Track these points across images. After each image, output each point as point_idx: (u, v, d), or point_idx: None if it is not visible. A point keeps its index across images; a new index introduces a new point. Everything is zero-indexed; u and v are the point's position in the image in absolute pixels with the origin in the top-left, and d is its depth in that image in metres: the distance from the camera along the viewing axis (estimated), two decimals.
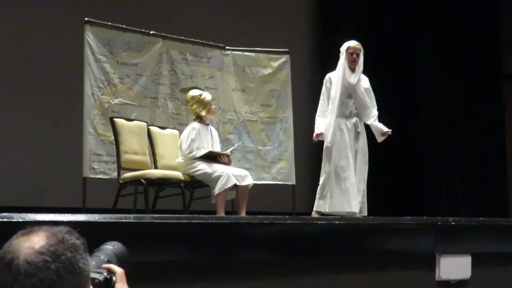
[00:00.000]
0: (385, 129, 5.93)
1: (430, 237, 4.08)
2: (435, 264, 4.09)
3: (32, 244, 1.24)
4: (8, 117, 7.03)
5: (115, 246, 1.62)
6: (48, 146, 7.12)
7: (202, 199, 5.77)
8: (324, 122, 5.80)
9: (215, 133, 5.85)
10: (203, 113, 5.64)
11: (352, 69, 5.86)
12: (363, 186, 5.81)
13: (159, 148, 5.70)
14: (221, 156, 5.53)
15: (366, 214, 5.77)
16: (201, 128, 5.61)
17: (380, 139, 5.97)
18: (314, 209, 5.81)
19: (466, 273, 4.20)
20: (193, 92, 5.72)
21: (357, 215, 5.64)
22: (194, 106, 5.66)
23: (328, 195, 5.72)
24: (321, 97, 5.93)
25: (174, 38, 6.57)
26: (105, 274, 1.50)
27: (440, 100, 9.22)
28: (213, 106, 5.81)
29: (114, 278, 1.53)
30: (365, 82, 5.98)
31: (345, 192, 5.68)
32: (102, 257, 1.55)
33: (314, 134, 5.82)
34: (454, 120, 9.20)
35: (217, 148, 5.75)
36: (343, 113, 5.83)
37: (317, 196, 5.81)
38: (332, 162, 5.73)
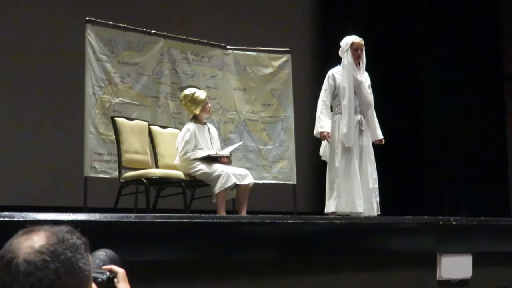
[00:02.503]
0: (380, 136, 5.90)
1: (431, 237, 4.08)
2: (436, 263, 4.09)
3: (32, 243, 1.24)
4: (9, 116, 7.04)
5: (108, 253, 1.63)
6: (49, 145, 7.12)
7: (203, 198, 5.77)
8: (329, 120, 5.76)
9: (213, 131, 5.83)
10: (197, 111, 5.63)
11: (355, 65, 5.84)
12: (375, 185, 5.78)
13: (160, 148, 5.71)
14: (221, 158, 5.53)
15: (379, 213, 5.74)
16: (197, 128, 5.61)
17: (372, 140, 5.94)
18: (326, 211, 5.78)
19: (467, 272, 4.20)
20: (187, 91, 5.72)
21: (363, 214, 5.62)
22: (188, 104, 5.66)
23: (335, 195, 5.69)
24: (323, 93, 5.84)
25: (175, 38, 6.57)
26: (107, 273, 1.51)
27: (441, 100, 9.21)
28: (209, 105, 5.78)
29: (116, 278, 1.54)
30: (367, 78, 5.97)
31: (349, 192, 5.66)
32: (97, 262, 1.56)
33: (325, 134, 5.70)
34: (455, 119, 9.20)
35: (216, 146, 5.74)
36: None
37: (326, 197, 5.79)
38: (340, 161, 5.71)
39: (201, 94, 5.68)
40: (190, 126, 5.59)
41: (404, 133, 8.72)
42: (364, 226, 4.01)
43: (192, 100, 5.63)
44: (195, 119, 5.67)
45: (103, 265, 1.56)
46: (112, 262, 1.60)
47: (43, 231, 1.27)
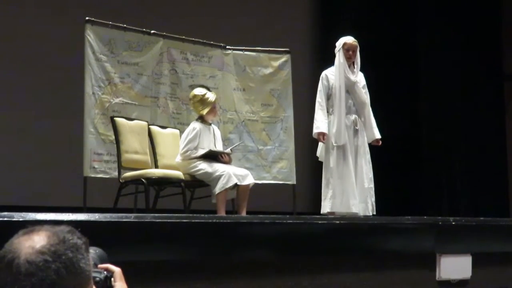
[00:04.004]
0: (377, 136, 5.90)
1: (431, 237, 4.08)
2: (436, 264, 4.09)
3: (33, 243, 1.24)
4: (9, 116, 7.03)
5: (97, 251, 1.62)
6: (49, 145, 7.12)
7: (202, 198, 5.77)
8: (325, 121, 5.78)
9: (217, 133, 5.85)
10: (204, 112, 5.65)
11: (349, 66, 5.86)
12: (370, 184, 5.79)
13: (159, 148, 5.70)
14: (222, 155, 5.53)
15: (375, 213, 5.75)
16: (203, 128, 5.62)
17: (369, 140, 5.95)
18: (321, 211, 5.78)
19: (467, 273, 4.20)
20: (197, 91, 5.73)
21: (360, 214, 5.62)
22: (196, 104, 5.67)
23: (330, 195, 5.70)
24: (318, 94, 5.87)
25: (175, 38, 6.57)
26: (105, 273, 1.51)
27: (441, 100, 9.22)
28: (217, 108, 5.80)
29: (113, 277, 1.54)
30: (362, 78, 5.98)
31: (344, 192, 5.67)
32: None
33: (320, 135, 5.73)
34: (455, 119, 9.20)
35: (219, 147, 5.75)
36: None
37: (322, 197, 5.79)
38: (335, 161, 5.72)
39: (211, 96, 5.68)
40: (197, 125, 5.60)
41: (404, 133, 8.72)
42: (364, 226, 4.01)
43: (201, 101, 5.64)
44: (201, 119, 5.67)
45: (94, 263, 1.56)
46: (102, 260, 1.60)
47: (44, 231, 1.27)
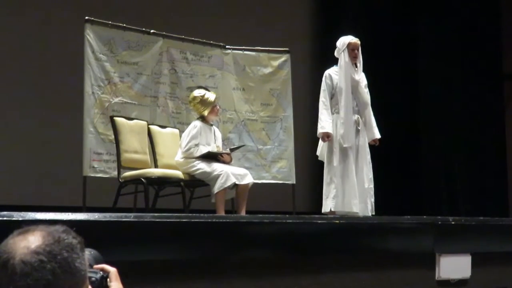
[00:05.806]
0: (377, 135, 5.90)
1: (430, 237, 4.08)
2: (435, 263, 4.09)
3: (28, 243, 1.24)
4: (8, 115, 7.03)
5: (92, 252, 1.62)
6: (48, 145, 7.12)
7: (202, 198, 5.77)
8: (329, 120, 5.77)
9: (218, 134, 5.85)
10: (206, 113, 5.65)
11: (353, 65, 5.85)
12: (370, 185, 5.79)
13: (159, 147, 5.71)
14: (221, 155, 5.52)
15: (373, 213, 5.75)
16: (204, 127, 5.62)
17: (368, 140, 5.95)
18: (323, 210, 5.79)
19: (466, 272, 4.20)
20: (196, 93, 5.73)
21: (359, 214, 5.63)
22: (197, 106, 5.67)
23: (333, 194, 5.70)
24: (322, 94, 5.86)
25: (175, 37, 6.57)
26: (101, 273, 1.51)
27: (440, 100, 9.22)
28: (218, 107, 5.80)
29: (108, 277, 1.54)
30: (363, 78, 5.99)
31: (346, 191, 5.68)
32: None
33: (323, 134, 5.76)
34: (454, 119, 9.20)
35: (219, 148, 5.75)
36: None
37: (324, 196, 5.79)
38: (338, 161, 5.72)
39: (210, 96, 5.68)
40: (198, 123, 5.60)
41: (403, 133, 8.72)
42: (363, 226, 4.01)
43: (202, 102, 5.64)
44: (202, 118, 5.67)
45: (89, 264, 1.55)
46: (97, 261, 1.59)
47: (39, 231, 1.27)
